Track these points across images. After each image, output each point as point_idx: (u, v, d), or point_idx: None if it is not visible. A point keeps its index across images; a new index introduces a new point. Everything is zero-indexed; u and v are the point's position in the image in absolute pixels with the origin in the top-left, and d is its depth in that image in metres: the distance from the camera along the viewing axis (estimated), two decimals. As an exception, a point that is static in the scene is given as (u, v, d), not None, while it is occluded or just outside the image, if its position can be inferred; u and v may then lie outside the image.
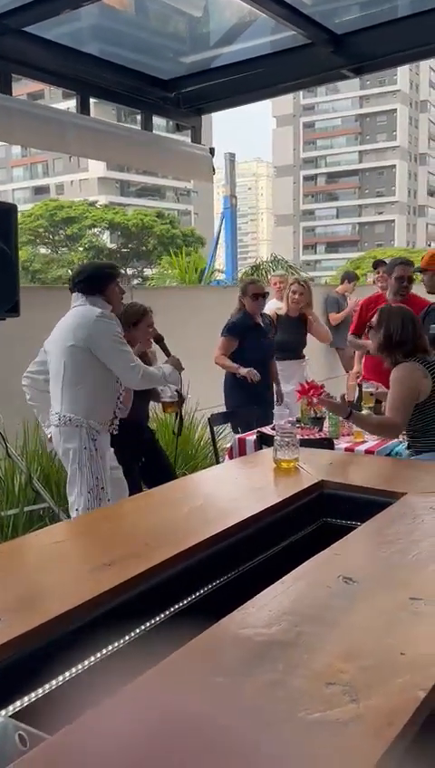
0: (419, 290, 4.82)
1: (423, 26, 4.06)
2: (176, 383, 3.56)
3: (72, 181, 60.33)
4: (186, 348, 5.38)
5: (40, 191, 62.32)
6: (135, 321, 3.70)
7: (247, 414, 4.54)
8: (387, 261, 6.17)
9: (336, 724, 1.06)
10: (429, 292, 4.21)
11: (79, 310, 3.27)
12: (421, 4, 4.05)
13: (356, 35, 4.22)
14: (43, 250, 43.52)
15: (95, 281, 3.33)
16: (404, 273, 4.62)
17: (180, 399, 3.76)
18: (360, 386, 4.93)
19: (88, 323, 3.16)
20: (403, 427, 3.17)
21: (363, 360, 4.97)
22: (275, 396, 5.10)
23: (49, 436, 3.45)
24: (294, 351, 5.46)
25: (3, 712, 1.32)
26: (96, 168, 56.51)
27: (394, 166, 74.33)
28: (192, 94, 4.80)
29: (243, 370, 4.70)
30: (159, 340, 3.72)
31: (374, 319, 3.34)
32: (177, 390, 3.70)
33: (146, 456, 3.85)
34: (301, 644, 1.32)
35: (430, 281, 4.01)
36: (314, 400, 3.52)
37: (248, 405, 4.67)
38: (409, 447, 3.34)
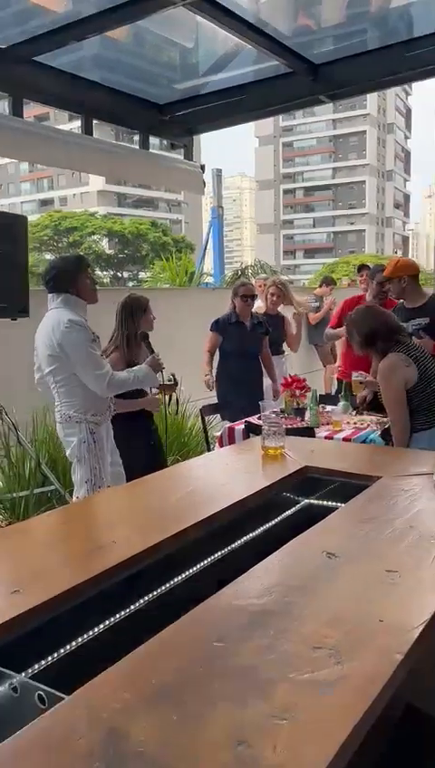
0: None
1: (390, 58, 4.07)
2: (152, 384, 3.40)
3: (74, 194, 60.05)
4: (177, 343, 5.38)
5: (45, 203, 61.87)
6: (144, 309, 3.59)
7: (236, 405, 4.54)
8: (371, 266, 6.16)
9: (323, 683, 1.07)
10: (396, 299, 4.22)
11: (52, 315, 3.05)
12: (388, 38, 4.06)
13: (332, 65, 4.23)
14: (48, 256, 43.22)
15: (64, 276, 3.07)
16: (383, 279, 4.66)
17: (175, 383, 3.69)
18: (340, 380, 4.95)
19: (58, 333, 2.97)
20: (405, 419, 3.03)
21: (343, 355, 4.97)
22: (271, 392, 5.06)
23: None
24: (273, 347, 5.45)
25: (23, 674, 1.32)
26: (95, 183, 56.26)
27: (364, 181, 74.30)
28: (184, 117, 4.79)
29: (204, 378, 4.74)
30: (144, 337, 3.60)
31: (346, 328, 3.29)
32: (172, 375, 3.65)
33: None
34: (290, 612, 1.33)
35: (397, 287, 4.01)
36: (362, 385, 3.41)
37: (236, 394, 4.66)
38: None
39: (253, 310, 5.29)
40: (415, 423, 3.04)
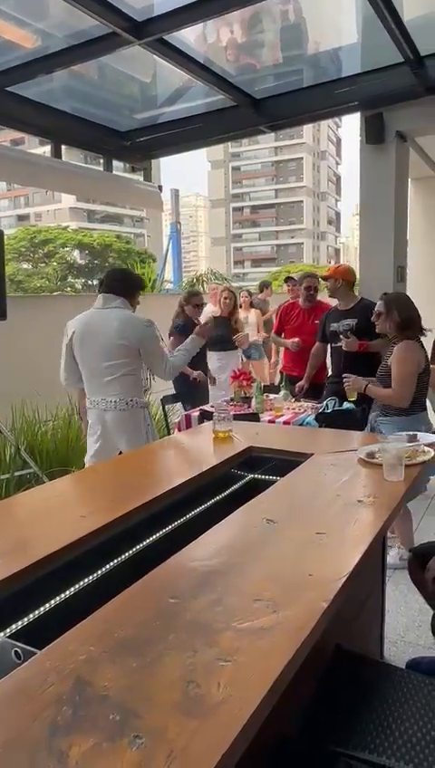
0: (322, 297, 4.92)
1: (322, 95, 4.12)
2: (199, 346, 3.28)
3: (48, 210, 58.70)
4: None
5: (22, 218, 60.27)
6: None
7: (192, 395, 4.55)
8: (295, 277, 6.31)
9: (261, 630, 1.09)
10: (329, 296, 4.28)
11: (120, 313, 2.96)
12: (321, 77, 4.11)
13: (271, 100, 4.25)
14: (25, 265, 42.21)
15: (131, 287, 3.10)
16: (311, 284, 4.74)
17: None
18: (281, 372, 5.02)
19: (138, 328, 2.93)
20: (410, 398, 2.95)
21: (285, 352, 5.04)
22: (209, 380, 5.13)
23: (87, 420, 3.13)
24: (229, 343, 5.48)
25: (1, 634, 1.31)
26: (67, 200, 55.13)
27: (302, 201, 74.82)
28: (144, 143, 4.75)
29: (194, 374, 4.70)
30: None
31: (381, 306, 3.15)
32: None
33: None
34: (235, 571, 1.34)
35: (332, 286, 4.08)
36: (346, 386, 3.24)
37: (191, 388, 4.69)
38: (383, 411, 3.11)
39: (210, 314, 5.34)
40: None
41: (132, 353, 2.95)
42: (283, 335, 4.90)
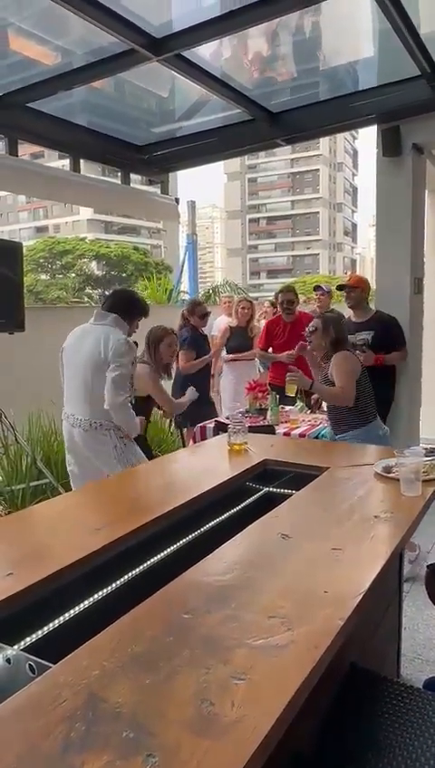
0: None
1: (338, 108, 4.13)
2: (133, 432, 2.98)
3: (66, 222, 59.51)
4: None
5: (41, 230, 61.12)
6: (158, 340, 3.44)
7: (194, 411, 4.43)
8: (323, 286, 6.03)
9: (276, 647, 1.08)
10: (350, 307, 4.23)
11: (105, 330, 2.88)
12: (337, 91, 4.12)
13: (288, 114, 4.27)
14: (43, 276, 42.75)
15: (130, 308, 3.00)
16: (287, 298, 4.82)
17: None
18: (271, 384, 4.94)
19: (111, 342, 2.81)
20: (352, 397, 3.04)
21: (271, 366, 5.00)
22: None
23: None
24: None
25: (16, 647, 1.31)
26: (85, 212, 55.80)
27: (318, 212, 74.92)
28: (161, 157, 4.79)
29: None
30: (165, 368, 3.54)
31: (314, 325, 3.25)
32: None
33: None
34: (249, 587, 1.33)
35: (358, 297, 4.07)
36: (287, 378, 3.25)
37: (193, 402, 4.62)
38: (338, 428, 3.20)
39: (226, 324, 5.34)
40: (352, 419, 3.11)
41: (102, 372, 2.80)
42: (270, 351, 4.91)
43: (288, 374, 3.24)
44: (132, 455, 2.96)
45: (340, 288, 4.24)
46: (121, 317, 2.94)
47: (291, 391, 3.32)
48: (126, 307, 3.00)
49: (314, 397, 4.42)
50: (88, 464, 2.97)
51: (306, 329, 3.34)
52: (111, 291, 3.18)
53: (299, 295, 5.46)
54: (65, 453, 3.14)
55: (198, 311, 4.92)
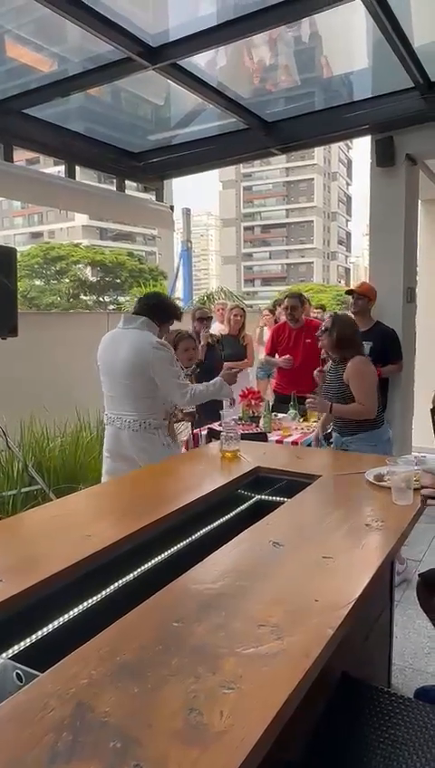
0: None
1: (333, 118, 4.17)
2: (227, 396, 3.19)
3: (61, 228, 59.54)
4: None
5: (36, 236, 61.09)
6: (175, 344, 3.48)
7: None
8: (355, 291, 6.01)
9: (266, 656, 1.08)
10: (354, 313, 4.22)
11: (136, 335, 2.87)
12: (331, 101, 4.16)
13: (282, 123, 4.30)
14: (37, 282, 42.68)
15: (160, 311, 2.98)
16: (291, 305, 4.76)
17: (194, 413, 3.51)
18: (274, 392, 4.95)
19: (145, 351, 2.80)
20: (375, 408, 3.02)
21: (277, 372, 5.00)
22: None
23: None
24: (237, 362, 5.47)
25: (4, 655, 1.30)
26: (80, 218, 55.88)
27: (312, 221, 75.35)
28: (156, 164, 4.81)
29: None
30: (200, 364, 3.51)
31: (326, 324, 3.20)
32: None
33: None
34: (240, 595, 1.33)
35: (365, 305, 4.10)
36: (308, 406, 3.26)
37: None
38: (347, 430, 3.14)
39: (218, 332, 5.33)
40: (362, 422, 3.08)
41: (143, 376, 2.83)
42: (276, 356, 4.92)
43: (308, 401, 3.23)
44: (176, 452, 3.02)
45: (348, 293, 4.27)
46: (151, 320, 2.93)
47: (313, 416, 3.31)
48: (155, 310, 2.97)
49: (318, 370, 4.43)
50: (132, 464, 2.95)
51: (320, 329, 3.28)
52: (141, 296, 3.15)
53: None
54: (103, 455, 3.10)
55: (197, 314, 4.93)
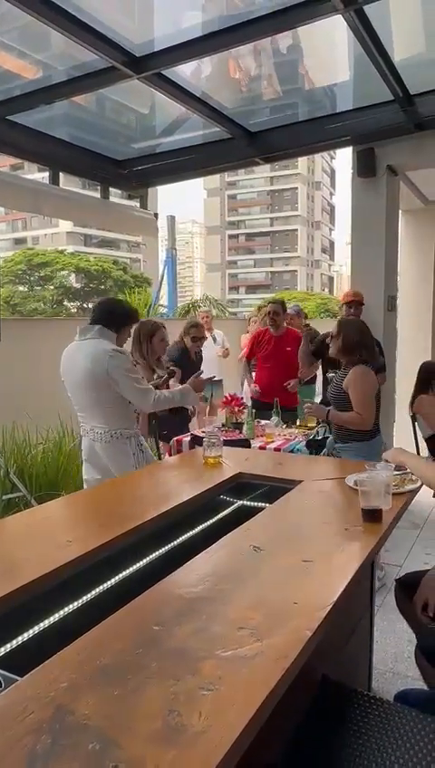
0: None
1: (315, 129, 4.23)
2: (192, 403, 3.16)
3: (45, 234, 59.27)
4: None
5: (19, 242, 60.72)
6: (150, 335, 3.52)
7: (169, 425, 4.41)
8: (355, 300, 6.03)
9: (244, 658, 1.09)
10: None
11: (91, 345, 2.81)
12: (315, 112, 4.22)
13: (266, 133, 4.35)
14: (21, 288, 42.39)
15: (116, 317, 2.91)
16: (272, 309, 4.85)
17: (173, 371, 3.58)
18: (252, 399, 4.96)
19: (101, 360, 2.74)
20: (372, 419, 3.00)
21: (256, 378, 5.02)
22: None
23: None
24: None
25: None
26: (64, 224, 55.67)
27: (296, 229, 76.00)
28: (141, 172, 4.83)
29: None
30: (172, 374, 3.50)
31: (334, 328, 3.20)
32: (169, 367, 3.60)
33: None
34: (220, 598, 1.34)
35: (356, 312, 4.17)
36: (305, 411, 3.27)
37: (170, 416, 4.57)
38: (341, 438, 3.14)
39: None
40: (357, 431, 3.07)
41: (106, 385, 2.78)
42: (253, 361, 4.94)
43: (305, 407, 3.26)
44: (147, 460, 2.99)
45: (349, 305, 4.29)
46: (107, 327, 2.88)
47: (311, 422, 3.33)
48: (110, 317, 2.92)
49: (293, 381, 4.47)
50: (107, 473, 2.94)
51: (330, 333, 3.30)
52: (95, 302, 3.10)
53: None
54: (82, 464, 3.08)
55: (191, 332, 4.74)
